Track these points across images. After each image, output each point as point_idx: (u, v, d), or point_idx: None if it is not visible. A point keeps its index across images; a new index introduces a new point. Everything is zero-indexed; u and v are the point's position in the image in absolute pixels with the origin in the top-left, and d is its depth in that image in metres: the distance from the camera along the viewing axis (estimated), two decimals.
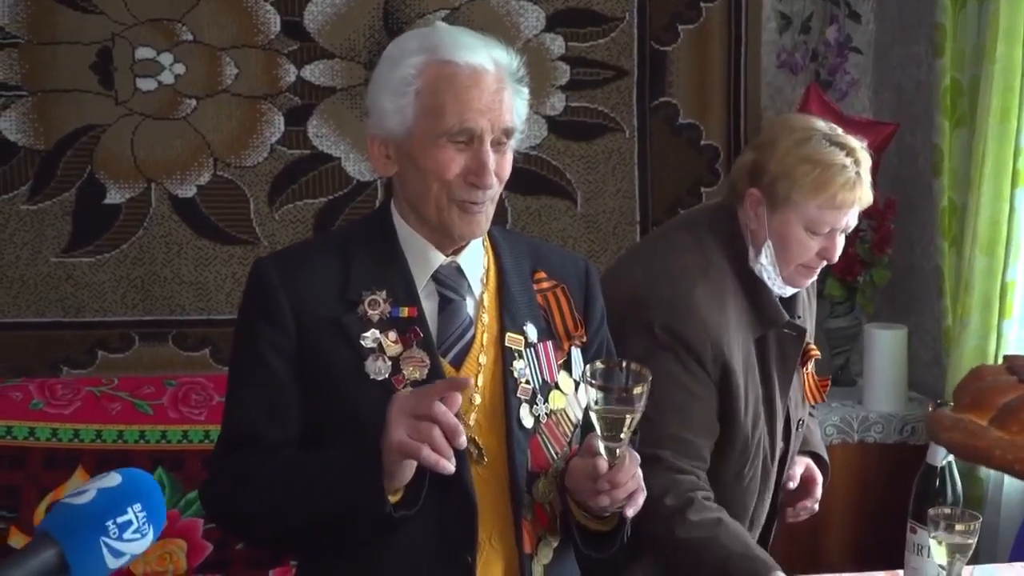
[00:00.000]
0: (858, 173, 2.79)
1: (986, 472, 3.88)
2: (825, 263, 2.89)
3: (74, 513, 1.57)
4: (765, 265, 2.87)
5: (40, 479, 3.91)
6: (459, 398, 2.04)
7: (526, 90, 2.37)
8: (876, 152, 4.45)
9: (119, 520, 1.58)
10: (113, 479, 1.62)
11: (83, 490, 1.60)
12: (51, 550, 1.53)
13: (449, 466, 2.04)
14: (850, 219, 2.84)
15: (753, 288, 2.91)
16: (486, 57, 2.27)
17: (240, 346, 2.35)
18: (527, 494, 2.33)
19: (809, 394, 3.10)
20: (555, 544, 2.41)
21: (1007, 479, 3.83)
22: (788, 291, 2.94)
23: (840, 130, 2.87)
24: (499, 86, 2.27)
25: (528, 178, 4.72)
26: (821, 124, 2.87)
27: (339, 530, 2.21)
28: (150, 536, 1.62)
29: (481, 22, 4.55)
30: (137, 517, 1.60)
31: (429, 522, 2.24)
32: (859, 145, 2.84)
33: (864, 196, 2.83)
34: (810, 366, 3.10)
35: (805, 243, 2.83)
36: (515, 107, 2.32)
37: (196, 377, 4.17)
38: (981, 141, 3.80)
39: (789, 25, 4.84)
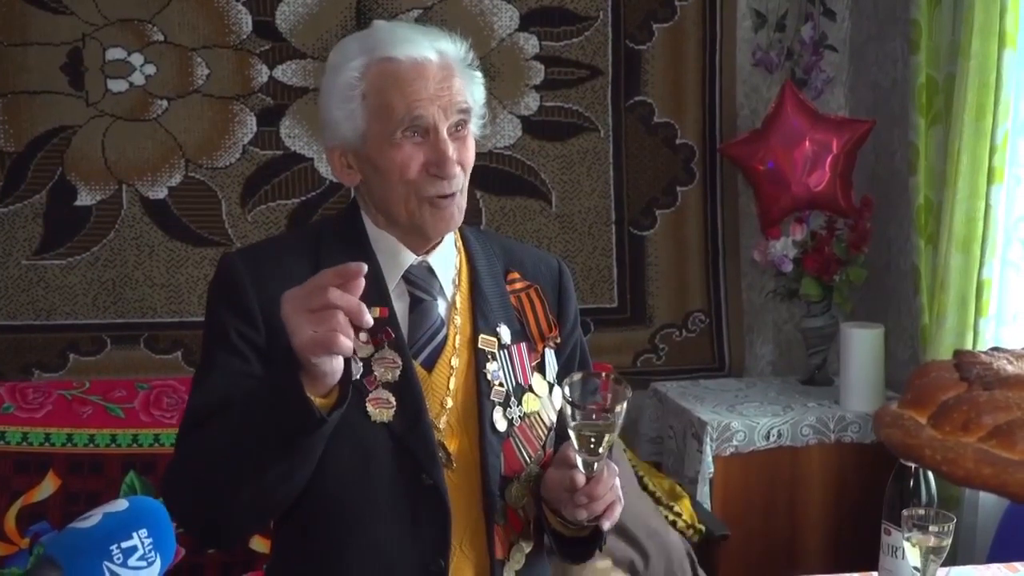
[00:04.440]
0: None
1: None
2: None
3: (78, 537, 1.57)
4: None
5: (11, 483, 3.88)
6: (361, 283, 1.94)
7: (479, 75, 2.35)
8: (852, 150, 4.48)
9: (123, 545, 1.57)
10: (120, 504, 1.61)
11: (90, 514, 1.59)
12: (54, 573, 1.51)
13: (348, 345, 1.92)
14: None
15: None
16: (428, 48, 2.24)
17: (208, 338, 2.29)
18: (500, 499, 2.31)
19: None
20: (528, 549, 2.39)
21: None
22: None
23: None
24: (445, 74, 2.24)
25: (502, 178, 4.71)
26: None
27: (279, 458, 2.07)
28: (157, 565, 1.60)
29: (454, 21, 4.53)
30: (143, 543, 1.59)
31: (401, 527, 2.23)
32: None
33: None
34: None
35: None
36: (468, 92, 2.29)
37: (168, 380, 4.16)
38: (956, 138, 3.80)
39: (764, 23, 4.83)
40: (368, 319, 1.93)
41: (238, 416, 2.07)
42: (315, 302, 1.91)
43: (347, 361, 2.00)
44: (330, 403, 2.02)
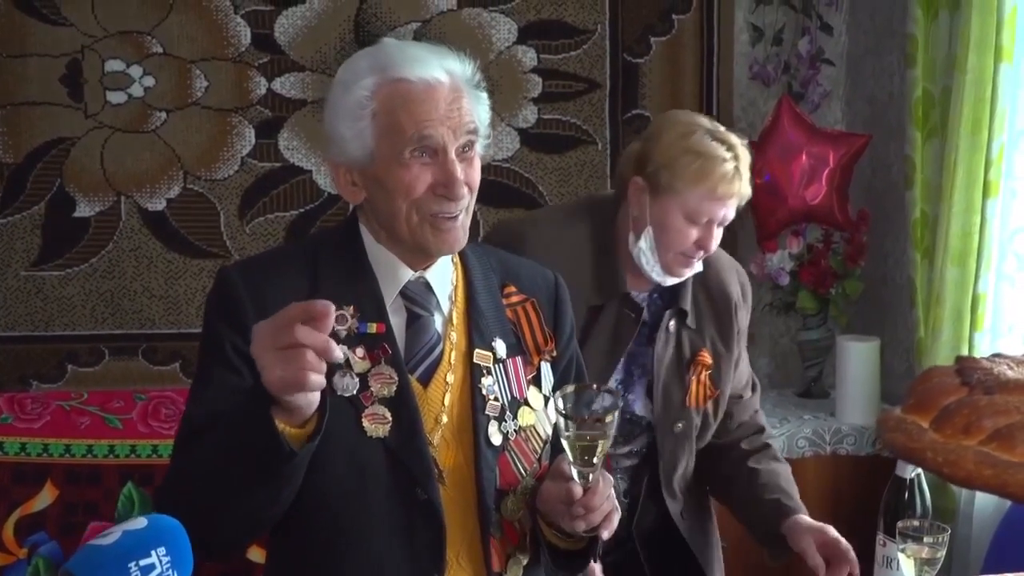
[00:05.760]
0: (737, 168, 2.91)
1: None
2: (702, 252, 2.97)
3: (97, 554, 1.56)
4: (644, 249, 2.98)
5: (9, 494, 3.88)
6: (330, 321, 1.90)
7: (485, 95, 2.35)
8: (849, 164, 4.48)
9: (142, 563, 1.57)
10: (139, 522, 1.62)
11: (109, 532, 1.60)
12: None
13: (319, 381, 1.90)
14: (728, 212, 2.95)
15: (603, 258, 3.04)
16: (438, 68, 2.24)
17: (205, 351, 2.29)
18: (495, 512, 2.32)
19: (692, 398, 3.13)
20: (524, 562, 2.40)
21: (978, 492, 3.82)
22: (668, 280, 3.02)
23: (722, 128, 2.99)
24: (455, 95, 2.24)
25: (500, 190, 4.72)
26: (704, 120, 3.00)
27: (259, 485, 2.06)
28: None
29: (453, 35, 4.55)
30: (161, 561, 1.58)
31: (397, 541, 2.24)
32: (740, 142, 2.97)
33: (743, 190, 2.94)
34: (703, 375, 3.14)
35: (684, 231, 2.92)
36: (475, 113, 2.29)
37: (166, 391, 4.14)
38: (952, 152, 3.79)
39: (761, 37, 4.84)
40: (338, 354, 1.91)
41: (221, 440, 2.06)
42: (282, 340, 1.88)
43: (323, 392, 1.98)
44: (308, 431, 2.01)
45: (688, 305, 3.10)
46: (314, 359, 1.88)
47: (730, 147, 2.91)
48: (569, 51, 4.75)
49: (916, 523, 2.54)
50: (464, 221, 2.31)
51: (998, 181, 3.76)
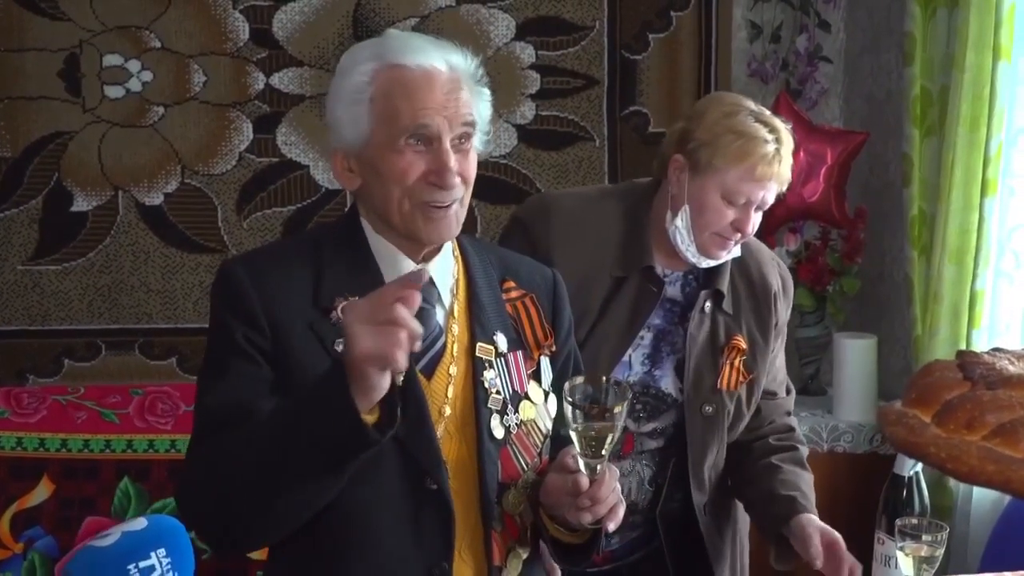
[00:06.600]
0: (778, 151, 2.88)
1: (955, 482, 3.88)
2: (740, 236, 2.95)
3: (96, 555, 1.57)
4: (680, 228, 2.96)
5: (6, 488, 3.88)
6: (419, 296, 1.93)
7: (487, 91, 2.35)
8: (846, 161, 4.48)
9: (141, 564, 1.57)
10: (139, 523, 1.62)
11: (108, 533, 1.60)
12: None
13: (405, 363, 1.92)
14: (767, 195, 2.93)
15: (632, 231, 3.04)
16: (438, 58, 2.24)
17: (216, 343, 2.26)
18: (497, 505, 2.32)
19: (724, 381, 3.12)
20: (524, 556, 2.40)
21: (976, 489, 3.82)
22: (704, 261, 3.00)
23: (767, 112, 2.97)
24: (453, 86, 2.24)
25: (498, 187, 4.72)
26: (750, 103, 2.98)
27: (321, 476, 2.07)
28: None
29: (451, 30, 4.55)
30: (161, 563, 1.59)
31: (406, 532, 2.23)
32: (783, 126, 2.94)
33: (782, 173, 2.92)
34: (737, 361, 3.13)
35: (721, 211, 2.91)
36: (475, 106, 2.29)
37: (162, 386, 4.15)
38: (950, 150, 3.79)
39: (759, 34, 4.84)
40: (418, 345, 1.93)
41: (278, 431, 2.05)
42: (382, 315, 1.90)
43: (393, 382, 1.98)
44: (371, 420, 1.99)
45: (725, 288, 3.09)
46: (406, 340, 1.89)
47: (773, 129, 2.89)
48: (567, 48, 4.75)
49: (915, 521, 2.55)
50: (458, 211, 2.30)
51: (996, 179, 3.76)
